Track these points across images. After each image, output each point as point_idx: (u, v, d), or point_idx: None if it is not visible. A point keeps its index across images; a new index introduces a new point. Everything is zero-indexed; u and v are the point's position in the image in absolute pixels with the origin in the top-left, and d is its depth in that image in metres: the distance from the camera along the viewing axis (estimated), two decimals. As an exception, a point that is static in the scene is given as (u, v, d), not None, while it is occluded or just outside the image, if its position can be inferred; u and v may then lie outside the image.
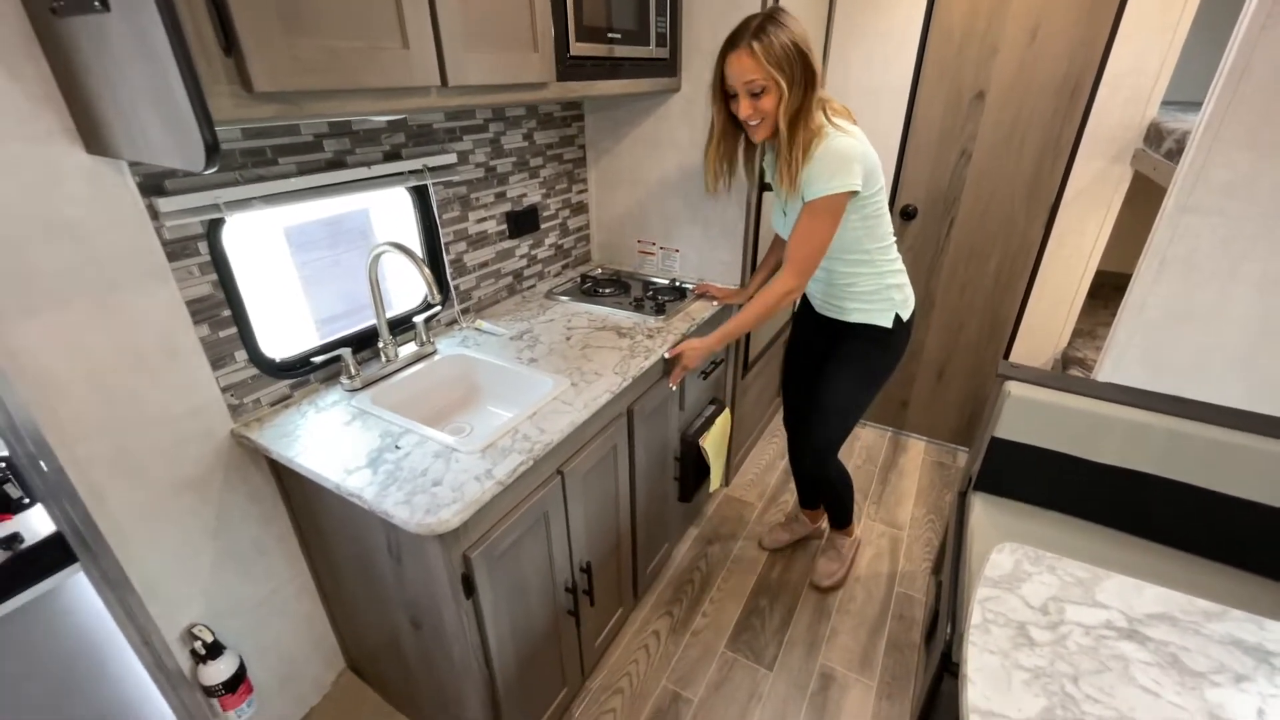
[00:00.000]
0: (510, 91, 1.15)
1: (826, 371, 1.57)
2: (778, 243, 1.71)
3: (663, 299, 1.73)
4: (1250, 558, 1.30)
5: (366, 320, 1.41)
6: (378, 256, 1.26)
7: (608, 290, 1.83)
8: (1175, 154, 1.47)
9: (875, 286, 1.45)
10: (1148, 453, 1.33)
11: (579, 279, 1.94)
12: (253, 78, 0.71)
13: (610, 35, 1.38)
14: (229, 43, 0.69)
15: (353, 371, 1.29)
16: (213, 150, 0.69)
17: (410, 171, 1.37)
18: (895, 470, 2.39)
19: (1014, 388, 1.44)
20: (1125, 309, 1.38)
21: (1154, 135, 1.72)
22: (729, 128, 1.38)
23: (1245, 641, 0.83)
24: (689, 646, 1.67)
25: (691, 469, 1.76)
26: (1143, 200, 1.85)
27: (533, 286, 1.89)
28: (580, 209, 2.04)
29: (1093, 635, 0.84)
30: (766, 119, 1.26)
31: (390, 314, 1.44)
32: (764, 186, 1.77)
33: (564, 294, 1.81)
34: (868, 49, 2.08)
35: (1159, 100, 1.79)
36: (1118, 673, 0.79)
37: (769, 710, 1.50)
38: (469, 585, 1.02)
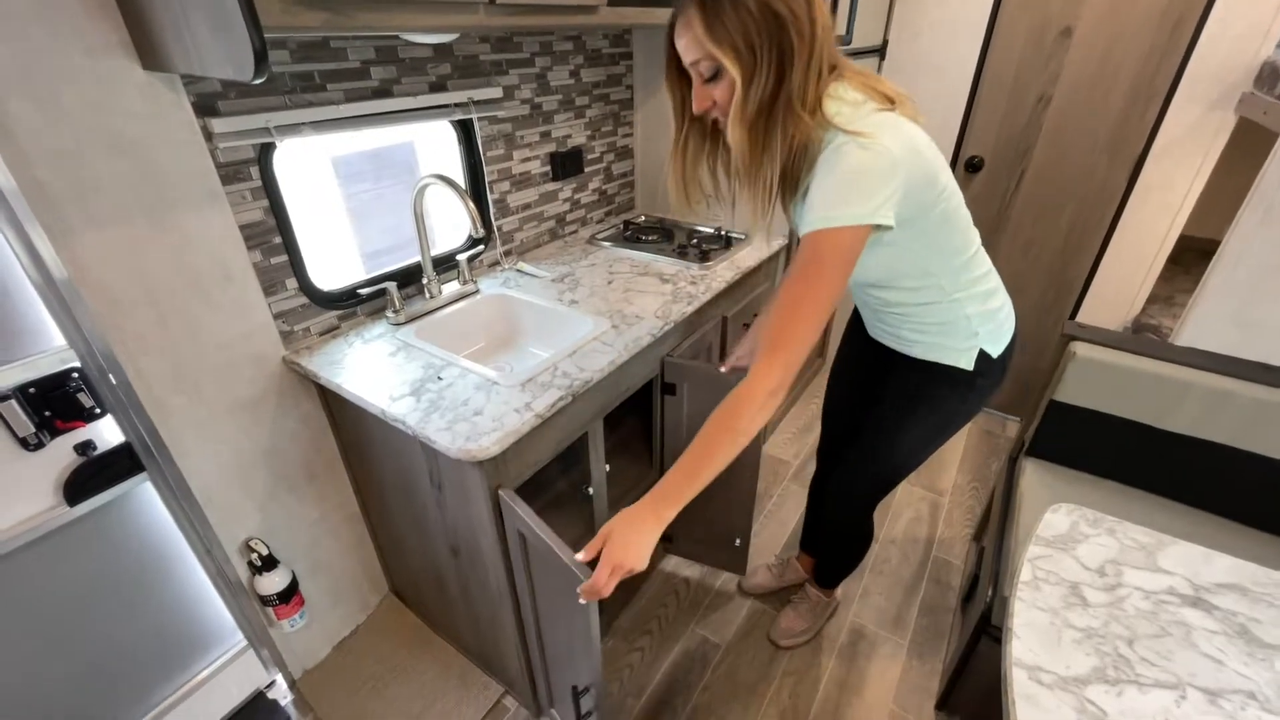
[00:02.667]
0: (559, 14, 1.10)
1: (880, 413, 1.17)
2: None
3: (707, 247, 1.68)
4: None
5: (411, 257, 1.42)
6: (423, 189, 1.25)
7: (651, 237, 1.79)
8: (1293, 94, 1.31)
9: (949, 318, 1.01)
10: (1227, 423, 1.23)
11: (622, 225, 1.90)
12: (299, -19, 0.69)
13: (664, -40, 1.30)
14: (277, -57, 0.67)
15: (397, 306, 1.30)
16: (261, 57, 0.68)
17: (455, 105, 1.34)
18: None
19: (1080, 348, 1.35)
20: (1219, 262, 1.26)
21: (1268, 75, 1.53)
22: (696, 121, 0.92)
23: (1327, 617, 0.77)
24: (718, 595, 1.69)
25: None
26: (1241, 155, 1.67)
27: (575, 232, 1.86)
28: (626, 154, 1.98)
29: (1153, 600, 0.79)
30: (727, 115, 0.84)
31: (434, 252, 1.45)
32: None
33: (607, 240, 1.78)
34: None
35: (1278, 35, 1.59)
36: (1178, 638, 0.74)
37: (796, 659, 1.51)
38: (497, 507, 1.03)
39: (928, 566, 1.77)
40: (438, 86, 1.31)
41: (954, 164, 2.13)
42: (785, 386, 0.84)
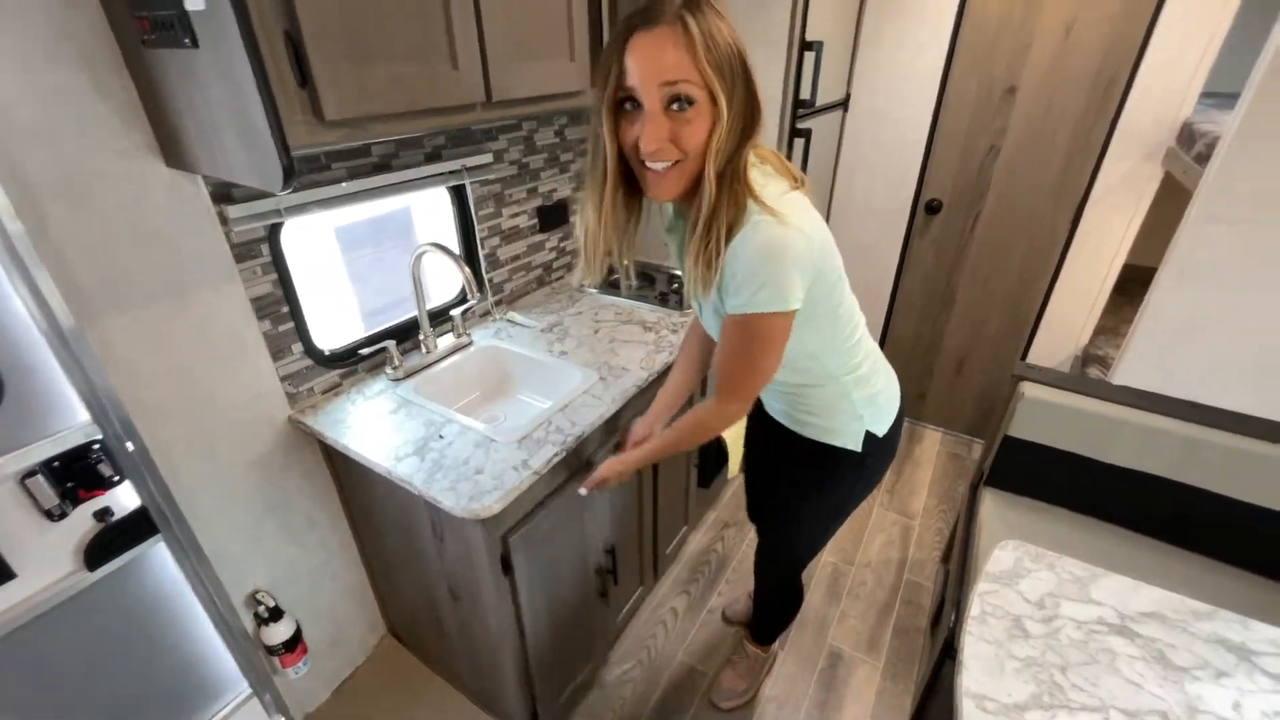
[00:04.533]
0: (549, 101, 1.20)
1: (783, 496, 1.23)
2: (697, 327, 1.21)
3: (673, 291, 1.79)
4: (1253, 559, 1.34)
5: (408, 312, 1.50)
6: (420, 256, 1.34)
7: (636, 284, 1.89)
8: (1205, 158, 1.46)
9: (835, 401, 1.03)
10: (1159, 456, 1.37)
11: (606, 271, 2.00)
12: (324, 108, 0.78)
13: (642, 39, 1.41)
14: (304, 78, 0.76)
15: (396, 362, 1.38)
16: (290, 173, 0.77)
17: (450, 172, 1.43)
18: (910, 460, 2.44)
19: (1028, 389, 1.48)
20: (1143, 316, 1.40)
21: (1186, 136, 1.70)
22: (623, 169, 0.82)
23: (1230, 640, 0.89)
24: (704, 624, 1.77)
25: (712, 457, 1.83)
26: (1172, 200, 1.84)
27: (561, 278, 1.96)
28: (607, 201, 2.09)
29: (1084, 630, 0.90)
30: (686, 161, 0.77)
31: (429, 306, 1.53)
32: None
33: (591, 286, 1.88)
34: (900, 31, 2.06)
35: (1196, 95, 1.77)
36: (1104, 665, 0.85)
37: (779, 685, 1.60)
38: (507, 564, 1.11)
39: (900, 589, 1.88)
40: (433, 156, 1.40)
41: (915, 206, 2.29)
42: (740, 414, 0.99)
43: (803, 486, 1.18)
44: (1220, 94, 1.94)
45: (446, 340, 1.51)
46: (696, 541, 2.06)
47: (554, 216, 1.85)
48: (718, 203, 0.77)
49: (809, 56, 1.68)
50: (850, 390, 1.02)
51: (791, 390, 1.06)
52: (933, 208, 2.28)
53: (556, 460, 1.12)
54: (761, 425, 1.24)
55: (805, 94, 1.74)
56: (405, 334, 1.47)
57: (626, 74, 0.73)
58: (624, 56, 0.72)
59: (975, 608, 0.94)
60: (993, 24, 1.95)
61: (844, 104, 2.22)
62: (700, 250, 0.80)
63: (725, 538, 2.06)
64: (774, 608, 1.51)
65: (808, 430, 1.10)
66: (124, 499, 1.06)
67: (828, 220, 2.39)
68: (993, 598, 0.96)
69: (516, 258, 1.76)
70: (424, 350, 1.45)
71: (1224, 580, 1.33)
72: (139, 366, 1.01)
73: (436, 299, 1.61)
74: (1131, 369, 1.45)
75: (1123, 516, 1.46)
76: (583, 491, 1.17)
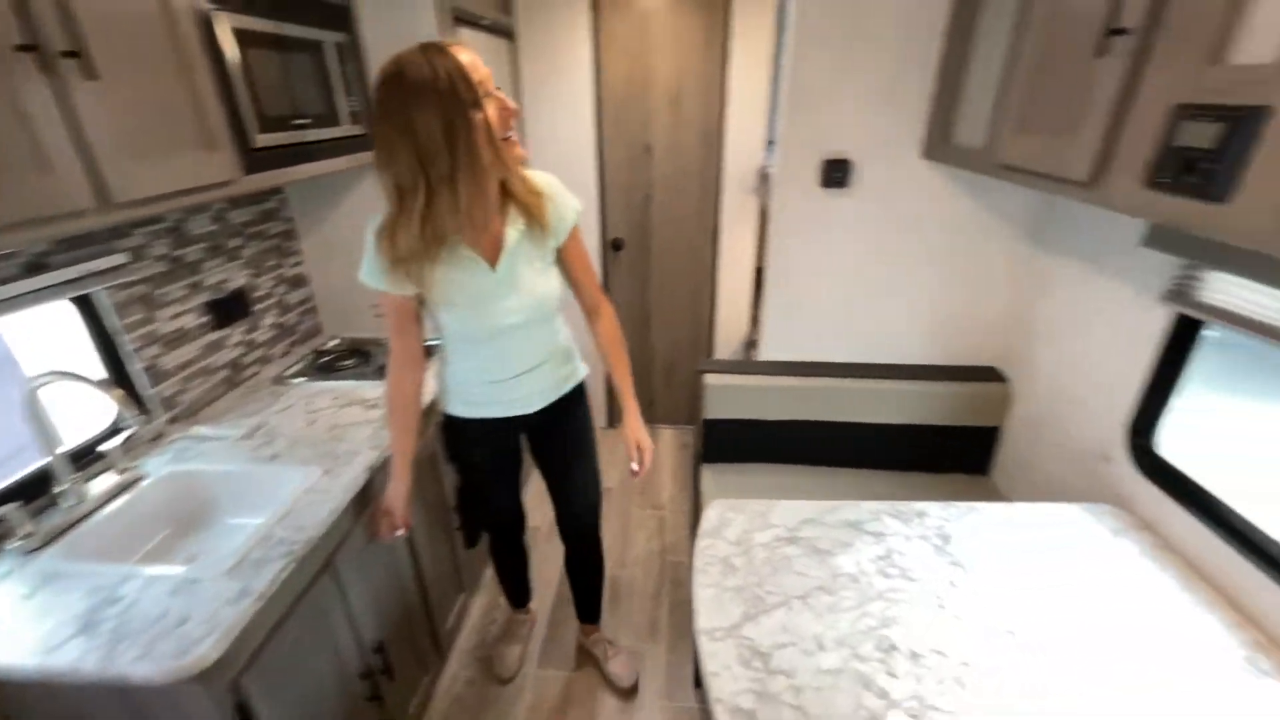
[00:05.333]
0: (193, 194, 1.10)
1: (578, 450, 1.46)
2: (409, 355, 1.24)
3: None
4: (864, 459, 1.91)
5: (31, 463, 1.18)
6: (36, 390, 1.08)
7: (348, 363, 1.80)
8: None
9: (568, 336, 1.38)
10: (800, 405, 1.86)
11: (313, 355, 1.85)
12: None
13: (297, 122, 1.39)
14: None
15: (27, 529, 1.07)
16: None
17: (65, 282, 1.18)
18: (655, 458, 2.79)
19: (710, 378, 1.86)
20: (763, 306, 1.90)
21: (763, 176, 2.36)
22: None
23: (850, 520, 1.27)
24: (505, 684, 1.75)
25: (472, 515, 1.84)
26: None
27: (257, 374, 1.75)
28: (299, 282, 1.94)
29: (768, 549, 1.20)
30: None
31: (67, 448, 1.22)
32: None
33: (298, 375, 1.72)
34: (554, 105, 2.39)
35: (763, 144, 2.46)
36: (784, 569, 1.15)
37: (584, 709, 1.68)
38: (246, 714, 0.97)
39: (666, 573, 2.14)
40: (36, 267, 1.14)
41: (603, 245, 2.65)
42: None
43: (587, 425, 1.46)
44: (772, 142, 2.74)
45: (104, 482, 1.23)
46: (479, 604, 2.02)
47: (232, 309, 1.65)
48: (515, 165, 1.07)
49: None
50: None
51: (557, 347, 1.32)
52: (617, 245, 2.67)
53: (286, 574, 1.02)
54: (504, 448, 1.45)
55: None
56: (34, 490, 1.15)
57: (470, 70, 0.95)
58: (461, 61, 0.95)
59: (698, 561, 1.17)
60: (620, 95, 2.41)
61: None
62: (532, 203, 1.11)
63: (508, 589, 2.07)
64: (601, 569, 1.72)
65: (574, 377, 1.38)
66: None
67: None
68: (708, 550, 1.20)
69: (189, 363, 1.52)
70: (68, 503, 1.16)
71: (853, 479, 1.87)
72: None
73: (78, 436, 1.30)
74: (767, 346, 1.95)
75: (793, 456, 1.94)
76: (400, 533, 1.33)
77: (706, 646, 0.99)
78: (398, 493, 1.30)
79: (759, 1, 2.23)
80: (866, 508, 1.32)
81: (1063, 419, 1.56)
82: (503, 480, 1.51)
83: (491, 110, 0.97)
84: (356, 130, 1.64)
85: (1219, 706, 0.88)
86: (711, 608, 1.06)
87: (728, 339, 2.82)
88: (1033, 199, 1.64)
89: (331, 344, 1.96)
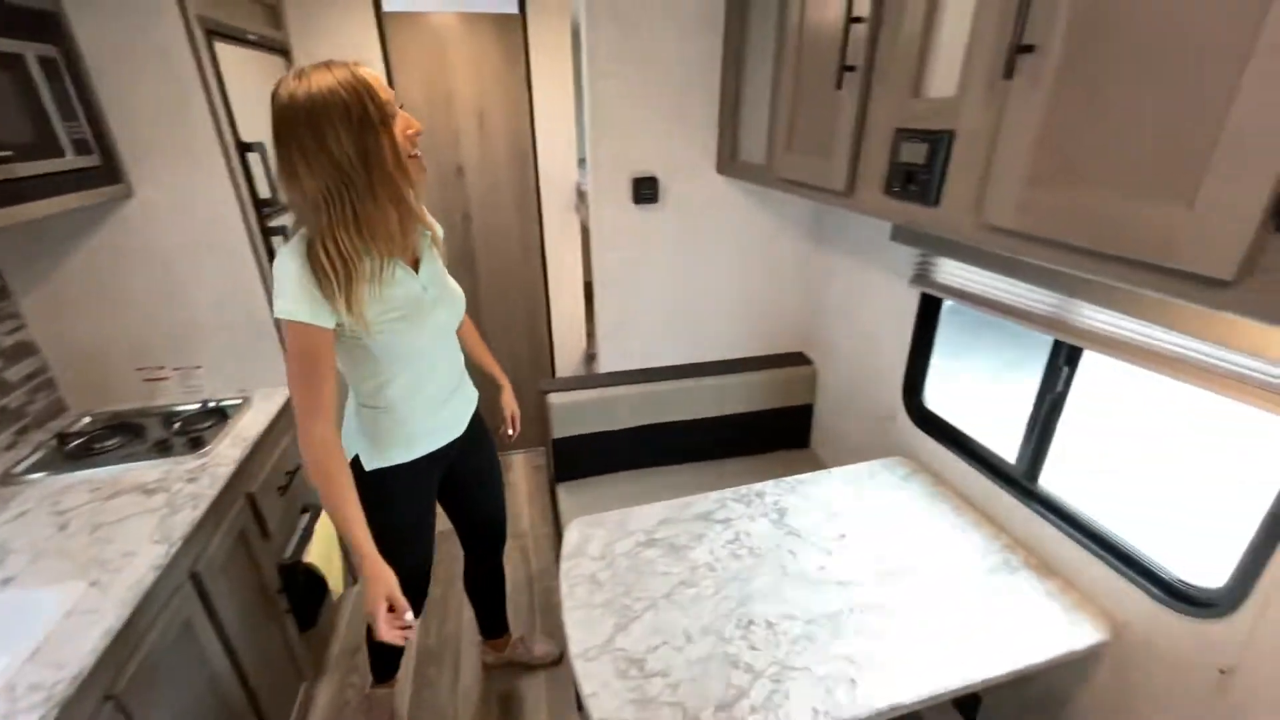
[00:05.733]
0: None
1: (487, 479, 1.49)
2: (329, 404, 1.13)
3: (196, 429, 1.51)
4: (712, 451, 2.05)
5: None
6: None
7: (111, 442, 1.47)
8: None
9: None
10: (642, 411, 1.94)
11: (55, 441, 1.48)
12: None
13: (-8, 155, 1.10)
14: None
15: None
16: None
17: None
18: (509, 488, 2.70)
19: (553, 398, 1.86)
20: (596, 319, 1.96)
21: (579, 193, 2.42)
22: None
23: (701, 512, 1.36)
24: None
25: (304, 592, 1.61)
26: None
27: (-32, 477, 1.35)
28: (23, 351, 1.54)
29: (630, 556, 1.23)
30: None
31: None
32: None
33: (34, 470, 1.36)
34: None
35: (575, 162, 2.53)
36: (647, 572, 1.19)
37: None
38: None
39: (537, 600, 2.09)
40: None
41: (424, 274, 2.51)
42: None
43: (493, 448, 1.50)
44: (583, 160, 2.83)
45: None
46: (327, 689, 1.78)
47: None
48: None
49: (253, 157, 1.64)
50: None
51: (461, 358, 1.34)
52: (439, 272, 2.54)
53: (46, 725, 0.80)
54: (428, 482, 1.33)
55: (265, 193, 1.69)
56: None
57: (382, 91, 0.96)
58: (371, 81, 0.95)
59: (564, 585, 1.16)
60: (422, 115, 2.29)
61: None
62: (424, 211, 1.15)
63: (359, 665, 1.85)
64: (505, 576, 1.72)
65: (474, 392, 1.41)
66: None
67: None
68: (573, 571, 1.20)
69: None
70: None
71: (698, 472, 2.00)
72: None
73: None
74: (605, 358, 2.00)
75: (642, 460, 2.01)
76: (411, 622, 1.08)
77: (582, 669, 0.99)
78: (380, 577, 1.03)
79: (555, 21, 2.29)
80: (713, 498, 1.41)
81: (858, 390, 1.83)
82: (426, 526, 1.38)
83: (399, 128, 0.98)
84: (89, 162, 1.35)
85: (990, 595, 1.11)
86: (583, 629, 1.06)
87: (569, 355, 2.84)
88: (811, 204, 1.91)
89: (82, 423, 1.58)
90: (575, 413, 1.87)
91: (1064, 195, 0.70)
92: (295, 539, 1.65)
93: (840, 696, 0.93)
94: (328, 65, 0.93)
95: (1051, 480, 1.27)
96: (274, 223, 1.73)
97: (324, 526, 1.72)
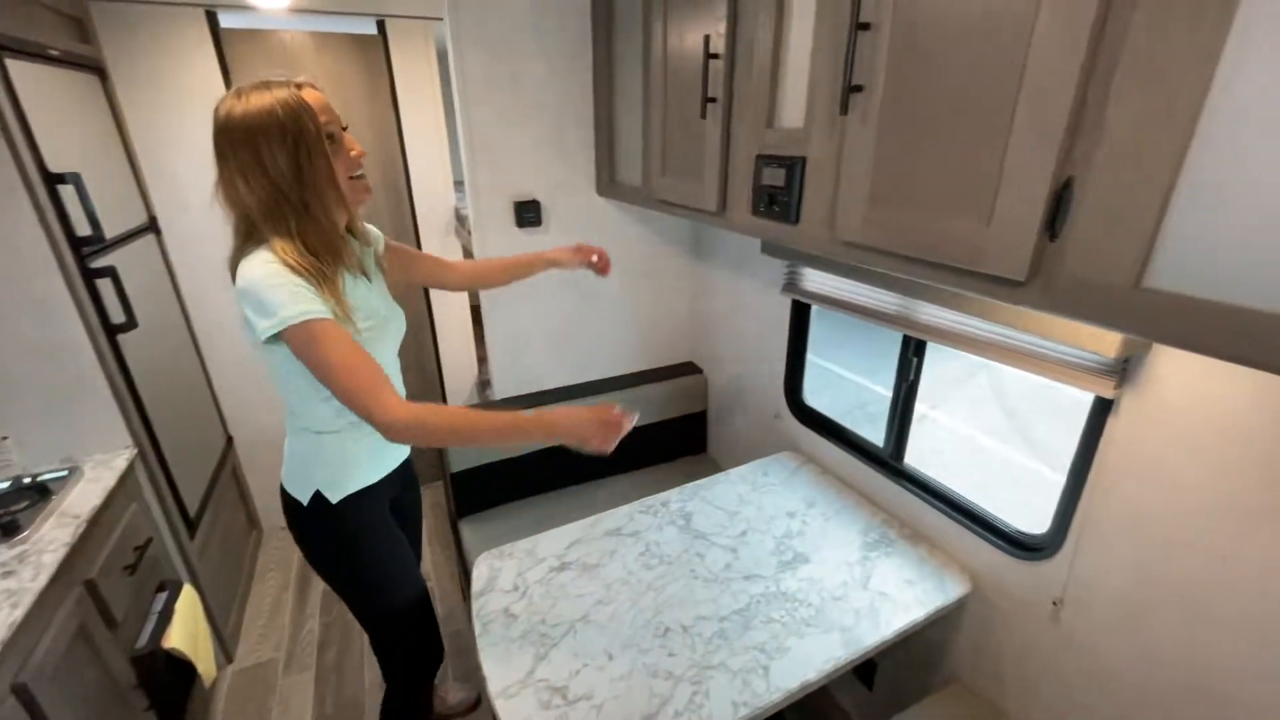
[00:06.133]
0: None
1: (415, 519, 1.45)
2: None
3: (10, 511, 1.27)
4: (616, 465, 2.08)
5: None
6: None
7: None
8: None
9: None
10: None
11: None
12: None
13: None
14: None
15: None
16: None
17: None
18: (405, 531, 2.54)
19: (449, 430, 1.78)
20: (488, 343, 1.91)
21: (460, 216, 2.36)
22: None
23: (612, 529, 1.38)
24: None
25: (166, 683, 1.40)
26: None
27: None
28: None
29: (543, 583, 1.22)
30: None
31: None
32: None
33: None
34: (180, 150, 1.97)
35: (452, 187, 2.46)
36: (561, 597, 1.18)
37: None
38: None
39: (449, 645, 1.97)
40: None
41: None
42: None
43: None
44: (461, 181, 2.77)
45: None
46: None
47: None
48: None
49: (66, 190, 1.42)
50: None
51: None
52: (308, 306, 2.35)
53: None
54: (383, 504, 1.21)
55: (85, 231, 1.47)
56: None
57: (319, 113, 0.95)
58: (308, 101, 0.94)
59: (477, 624, 1.12)
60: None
61: (151, 227, 1.98)
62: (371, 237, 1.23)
63: (244, 752, 1.64)
64: None
65: None
66: None
67: (198, 347, 2.12)
68: (486, 607, 1.16)
69: None
70: None
71: (604, 489, 2.01)
72: None
73: None
74: (498, 384, 1.96)
75: (546, 484, 1.99)
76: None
77: (504, 707, 0.96)
78: (565, 415, 1.04)
79: (418, 43, 2.23)
80: (622, 512, 1.44)
81: (746, 393, 1.95)
82: (410, 553, 1.27)
83: (340, 148, 0.98)
84: None
85: (875, 567, 1.23)
86: (501, 666, 1.03)
87: (461, 384, 2.73)
88: (689, 221, 2.01)
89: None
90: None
91: (897, 213, 0.82)
92: (151, 623, 1.43)
93: (756, 686, 0.99)
94: (267, 85, 0.93)
95: (915, 458, 1.44)
96: (98, 262, 1.51)
97: (186, 605, 1.52)
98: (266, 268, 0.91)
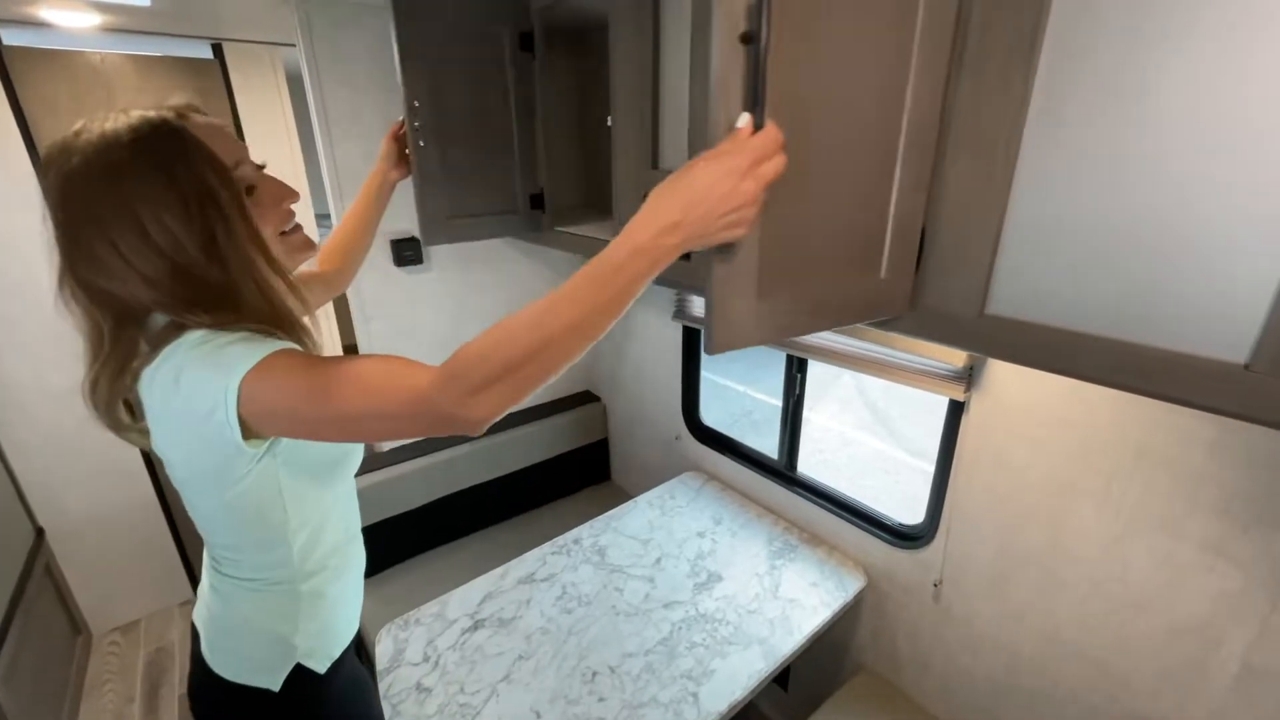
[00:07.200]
0: None
1: None
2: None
3: None
4: (520, 505, 2.01)
5: None
6: None
7: None
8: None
9: None
10: (437, 483, 1.81)
11: None
12: None
13: None
14: None
15: None
16: None
17: None
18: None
19: (331, 491, 1.62)
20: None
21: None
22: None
23: (525, 575, 1.33)
24: None
25: None
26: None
27: None
28: None
29: (457, 648, 1.14)
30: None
31: None
32: None
33: None
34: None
35: (315, 220, 2.27)
36: (480, 660, 1.11)
37: None
38: None
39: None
40: None
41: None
42: None
43: None
44: (326, 215, 2.57)
45: None
46: None
47: None
48: None
49: None
50: None
51: None
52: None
53: None
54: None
55: None
56: None
57: (219, 155, 0.66)
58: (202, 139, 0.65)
59: (387, 709, 1.02)
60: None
61: None
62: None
63: None
64: None
65: None
66: None
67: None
68: (395, 685, 1.06)
69: None
70: None
71: (512, 531, 1.94)
72: None
73: None
74: (389, 435, 1.82)
75: (448, 533, 1.87)
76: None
77: (427, 796, 0.88)
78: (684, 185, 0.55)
79: (264, 68, 2.04)
80: (533, 557, 1.39)
81: (645, 418, 1.99)
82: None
83: (260, 195, 0.68)
84: None
85: (782, 575, 1.30)
86: (418, 749, 0.95)
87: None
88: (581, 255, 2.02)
89: None
90: (363, 499, 1.66)
91: (791, 299, 0.89)
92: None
93: (687, 714, 1.00)
94: (125, 115, 0.62)
95: (807, 466, 1.55)
96: None
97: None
98: (210, 337, 0.63)
